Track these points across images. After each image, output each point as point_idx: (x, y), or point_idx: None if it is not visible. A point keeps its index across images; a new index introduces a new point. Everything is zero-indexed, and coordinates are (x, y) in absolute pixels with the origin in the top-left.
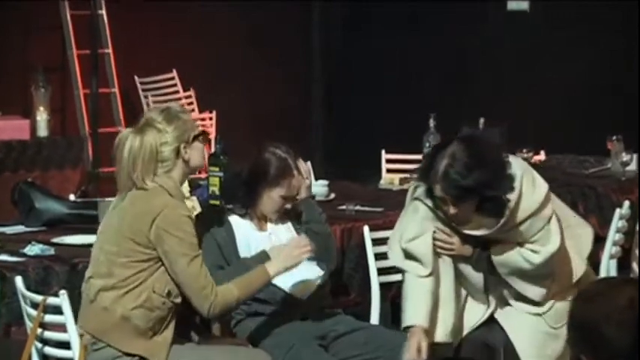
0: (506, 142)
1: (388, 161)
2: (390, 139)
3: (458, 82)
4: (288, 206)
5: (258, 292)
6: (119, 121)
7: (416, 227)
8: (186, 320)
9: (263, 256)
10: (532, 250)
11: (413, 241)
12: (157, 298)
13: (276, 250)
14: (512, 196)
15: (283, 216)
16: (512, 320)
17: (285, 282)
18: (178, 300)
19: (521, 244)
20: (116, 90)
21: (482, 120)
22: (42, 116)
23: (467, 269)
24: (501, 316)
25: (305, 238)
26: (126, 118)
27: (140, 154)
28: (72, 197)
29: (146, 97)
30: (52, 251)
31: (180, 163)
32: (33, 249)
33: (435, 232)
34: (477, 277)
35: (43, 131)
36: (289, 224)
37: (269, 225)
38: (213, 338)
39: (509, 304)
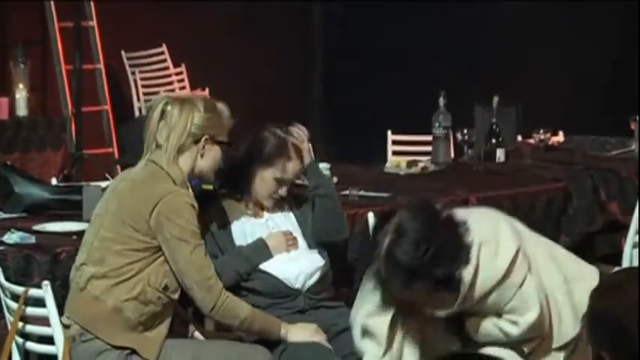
0: (522, 122)
1: (395, 142)
2: (396, 120)
3: (470, 59)
4: (282, 192)
5: (257, 331)
6: (104, 100)
7: (376, 302)
8: (180, 314)
9: (260, 244)
10: (510, 322)
11: (372, 317)
12: (152, 292)
13: (300, 327)
14: (467, 270)
15: (281, 203)
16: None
17: (283, 272)
18: (175, 296)
19: (498, 315)
20: (101, 66)
21: (496, 99)
22: (21, 94)
23: (439, 347)
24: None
25: (325, 340)
26: (112, 96)
27: (178, 124)
28: (54, 181)
29: (134, 73)
30: (32, 239)
31: (193, 155)
32: (12, 237)
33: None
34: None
35: (22, 110)
36: (290, 214)
37: (266, 212)
38: (208, 333)
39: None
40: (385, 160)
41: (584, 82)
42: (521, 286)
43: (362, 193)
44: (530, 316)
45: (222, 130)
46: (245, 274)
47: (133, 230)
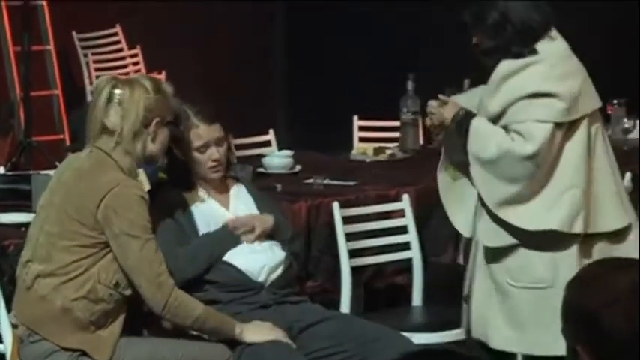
0: None
1: (361, 129)
2: (363, 105)
3: (439, 41)
4: (216, 156)
5: (210, 330)
6: (55, 84)
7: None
8: (134, 312)
9: (225, 230)
10: (515, 133)
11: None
12: (103, 289)
13: (255, 326)
14: (511, 62)
15: (242, 192)
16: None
17: (245, 264)
18: (128, 292)
19: (508, 126)
20: (51, 48)
21: (467, 82)
22: None
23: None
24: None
25: (284, 336)
26: (62, 79)
27: (131, 109)
28: (1, 170)
29: (86, 55)
30: None
31: (144, 139)
32: None
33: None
34: None
35: None
36: (252, 204)
37: (231, 199)
38: (164, 331)
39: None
40: (351, 147)
41: None
42: (547, 121)
43: (327, 182)
44: (534, 142)
45: (170, 110)
46: (218, 257)
47: (79, 225)
